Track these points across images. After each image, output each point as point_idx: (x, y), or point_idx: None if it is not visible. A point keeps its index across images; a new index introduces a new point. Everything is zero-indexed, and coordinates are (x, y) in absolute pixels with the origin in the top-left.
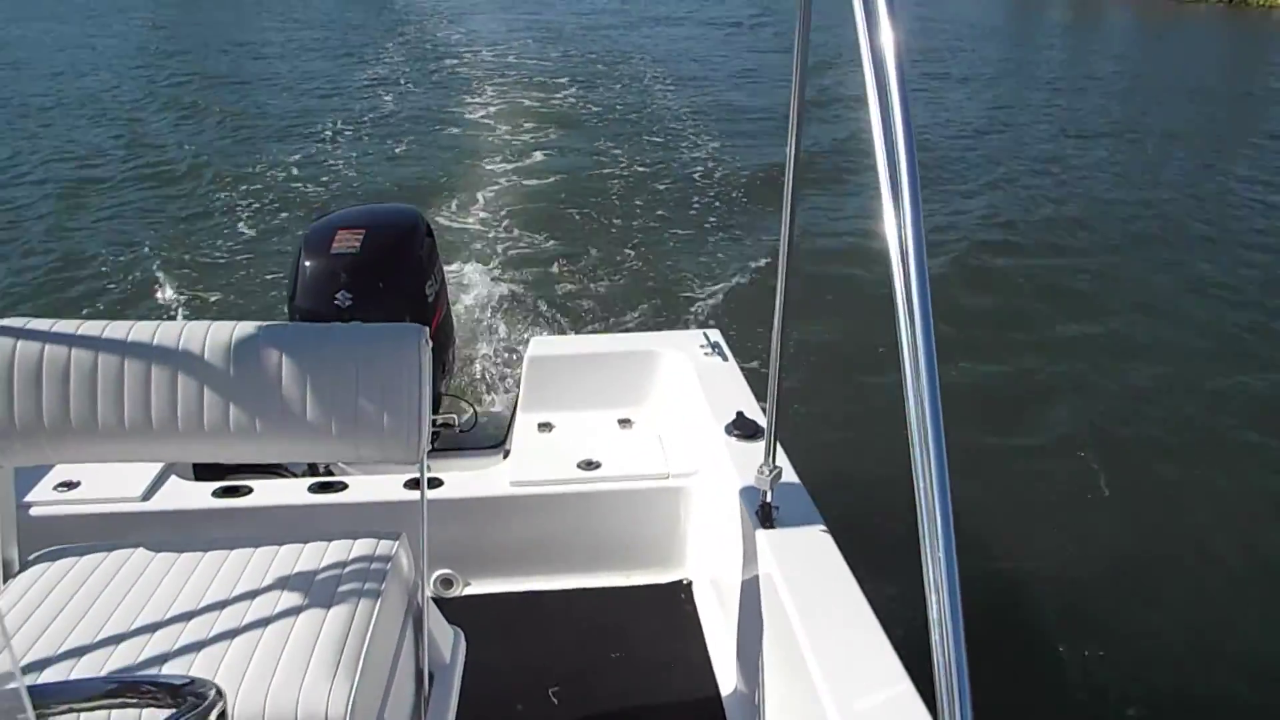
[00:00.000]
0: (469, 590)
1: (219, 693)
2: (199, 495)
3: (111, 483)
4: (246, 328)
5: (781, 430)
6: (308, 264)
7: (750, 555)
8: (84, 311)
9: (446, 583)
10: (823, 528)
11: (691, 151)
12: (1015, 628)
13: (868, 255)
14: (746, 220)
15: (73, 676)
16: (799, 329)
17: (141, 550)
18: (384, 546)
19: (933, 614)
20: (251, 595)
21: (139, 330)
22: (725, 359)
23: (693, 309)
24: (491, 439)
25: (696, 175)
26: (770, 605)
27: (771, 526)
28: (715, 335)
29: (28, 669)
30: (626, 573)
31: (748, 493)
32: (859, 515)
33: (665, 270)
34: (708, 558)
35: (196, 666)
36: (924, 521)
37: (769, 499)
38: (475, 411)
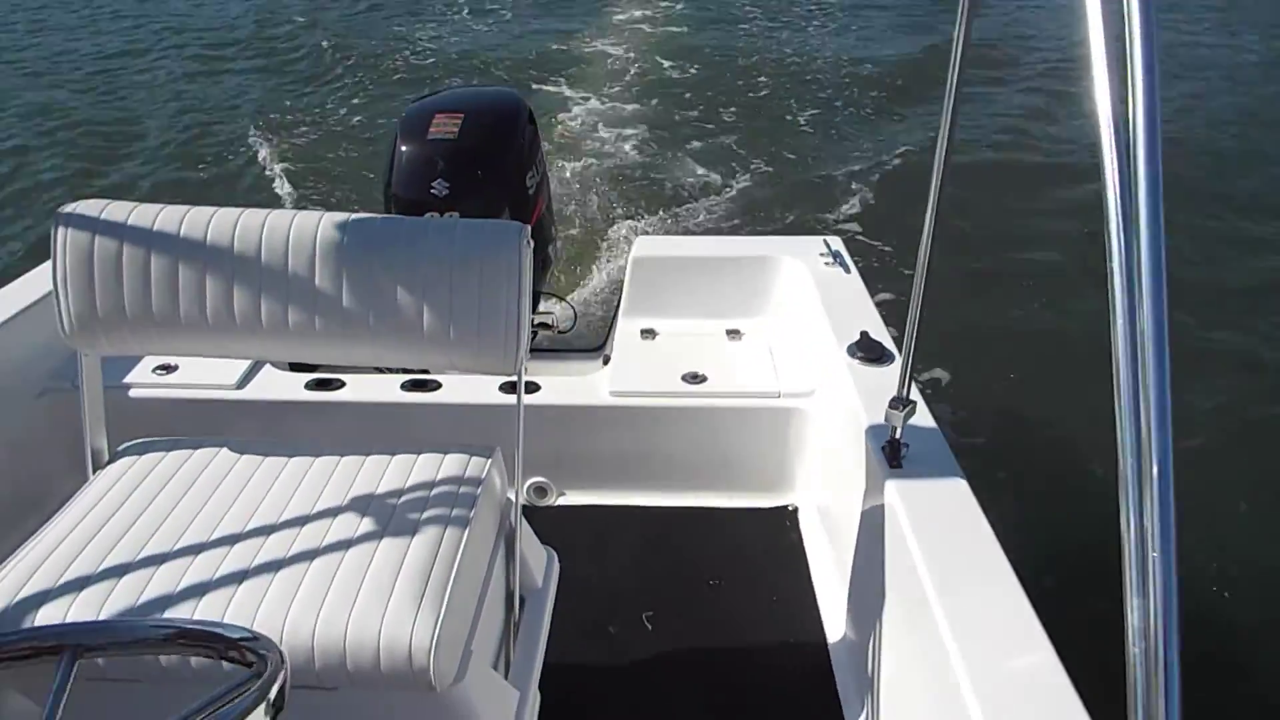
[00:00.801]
0: (562, 500)
1: (281, 659)
2: (292, 386)
3: (208, 368)
4: (335, 218)
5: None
6: (404, 149)
7: (872, 492)
8: (168, 196)
9: (540, 491)
10: (961, 479)
11: (827, 35)
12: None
13: (1036, 164)
14: (882, 118)
15: (148, 588)
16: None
17: (226, 451)
18: (476, 463)
19: (1133, 620)
20: (334, 511)
21: (222, 217)
22: (848, 270)
23: (814, 213)
24: (591, 342)
25: (830, 63)
26: (895, 549)
27: (898, 466)
28: (837, 243)
29: (103, 574)
30: (729, 494)
31: (873, 423)
32: (1004, 476)
33: (786, 168)
34: (818, 485)
35: (274, 588)
36: (1131, 510)
37: (898, 435)
38: (575, 312)
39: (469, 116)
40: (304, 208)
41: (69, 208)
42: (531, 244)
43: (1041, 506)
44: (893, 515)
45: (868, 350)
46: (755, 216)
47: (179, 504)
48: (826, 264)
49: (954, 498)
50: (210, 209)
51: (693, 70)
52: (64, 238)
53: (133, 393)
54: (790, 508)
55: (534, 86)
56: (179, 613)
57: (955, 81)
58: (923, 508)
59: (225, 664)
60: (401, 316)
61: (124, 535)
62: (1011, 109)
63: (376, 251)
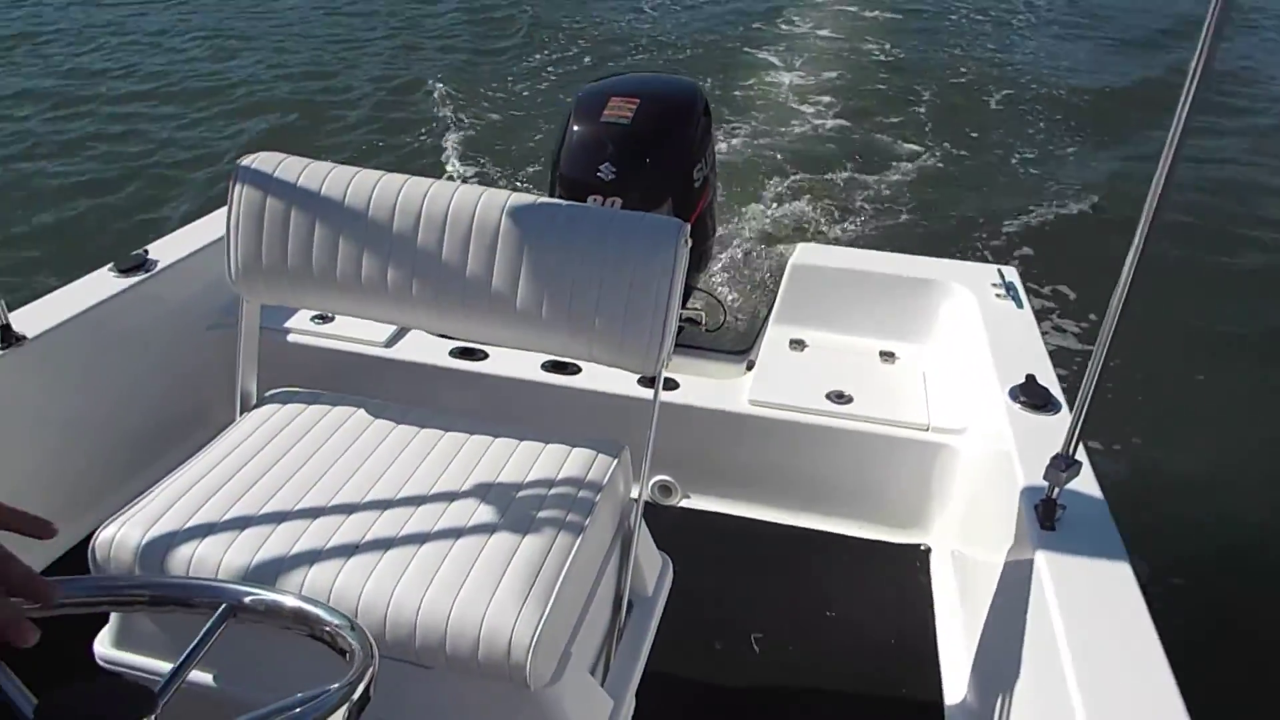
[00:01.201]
0: (686, 503)
1: (369, 654)
2: (437, 352)
3: (361, 324)
4: (496, 195)
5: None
6: (575, 129)
7: (1017, 549)
8: (347, 156)
9: (665, 490)
10: (1122, 559)
11: (1039, 48)
12: None
13: (1259, 217)
14: (1083, 146)
15: (267, 543)
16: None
17: (363, 412)
18: (603, 460)
19: None
20: (456, 489)
21: (387, 183)
22: (1020, 305)
23: (988, 240)
24: (736, 345)
25: (1036, 79)
26: (1035, 617)
27: (1051, 528)
28: (1011, 274)
29: (229, 524)
30: (859, 523)
31: (1028, 477)
32: (1173, 564)
33: (968, 184)
34: (957, 530)
35: (387, 559)
36: None
37: (1056, 495)
38: (725, 312)
39: (644, 102)
40: (468, 180)
41: (248, 159)
42: (689, 243)
43: (1213, 606)
44: (1037, 580)
45: (1032, 396)
46: (924, 231)
47: (309, 460)
48: (998, 295)
49: (1111, 575)
50: (377, 173)
51: (885, 71)
52: (240, 186)
53: (290, 338)
54: (923, 548)
55: (717, 73)
56: (293, 574)
57: (1185, 113)
58: (1073, 579)
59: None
60: (548, 301)
61: (254, 484)
62: (1235, 151)
63: (531, 233)
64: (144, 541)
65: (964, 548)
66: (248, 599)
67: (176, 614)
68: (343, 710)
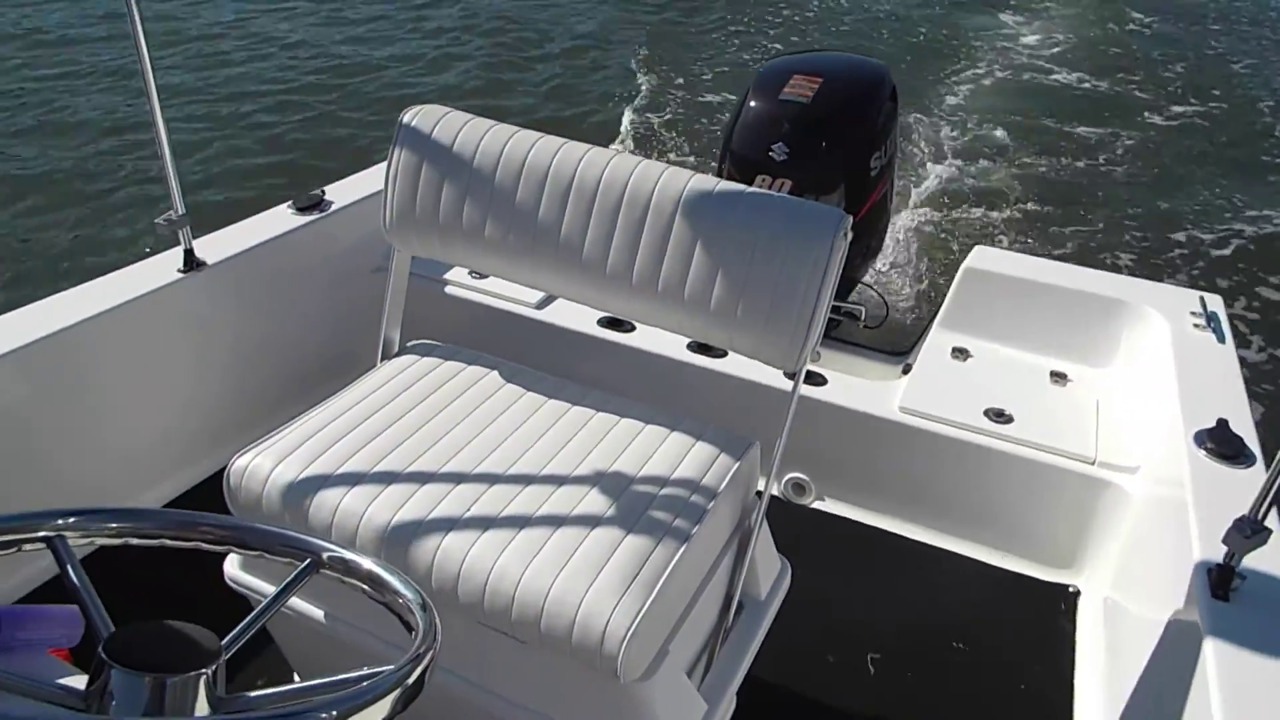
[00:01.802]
0: (819, 505)
1: (432, 638)
2: (585, 320)
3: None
4: (651, 167)
5: None
6: (752, 104)
7: (1181, 613)
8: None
9: (799, 488)
10: None
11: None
12: None
13: None
14: None
15: (380, 498)
16: None
17: (496, 374)
18: (732, 451)
19: None
20: (575, 464)
21: (544, 145)
22: (1222, 340)
23: (1192, 262)
24: (896, 345)
25: (1260, 104)
26: (1196, 692)
27: (1224, 598)
28: (1216, 304)
29: (347, 476)
30: (1003, 552)
31: (1206, 535)
32: None
33: (1179, 200)
34: (1112, 577)
35: (495, 528)
36: None
37: (1235, 562)
38: (888, 309)
39: (827, 82)
40: (631, 151)
41: (411, 111)
42: (850, 236)
43: None
44: (1200, 654)
45: (1223, 444)
46: (1120, 243)
47: (435, 416)
48: (1196, 325)
49: None
50: (535, 135)
51: (1105, 67)
52: (402, 138)
53: (446, 289)
54: (1071, 589)
55: (913, 54)
56: (402, 529)
57: None
58: (1243, 663)
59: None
60: (691, 282)
61: (379, 434)
62: None
63: (683, 209)
64: (271, 474)
65: (1119, 597)
66: (327, 555)
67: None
68: (390, 698)
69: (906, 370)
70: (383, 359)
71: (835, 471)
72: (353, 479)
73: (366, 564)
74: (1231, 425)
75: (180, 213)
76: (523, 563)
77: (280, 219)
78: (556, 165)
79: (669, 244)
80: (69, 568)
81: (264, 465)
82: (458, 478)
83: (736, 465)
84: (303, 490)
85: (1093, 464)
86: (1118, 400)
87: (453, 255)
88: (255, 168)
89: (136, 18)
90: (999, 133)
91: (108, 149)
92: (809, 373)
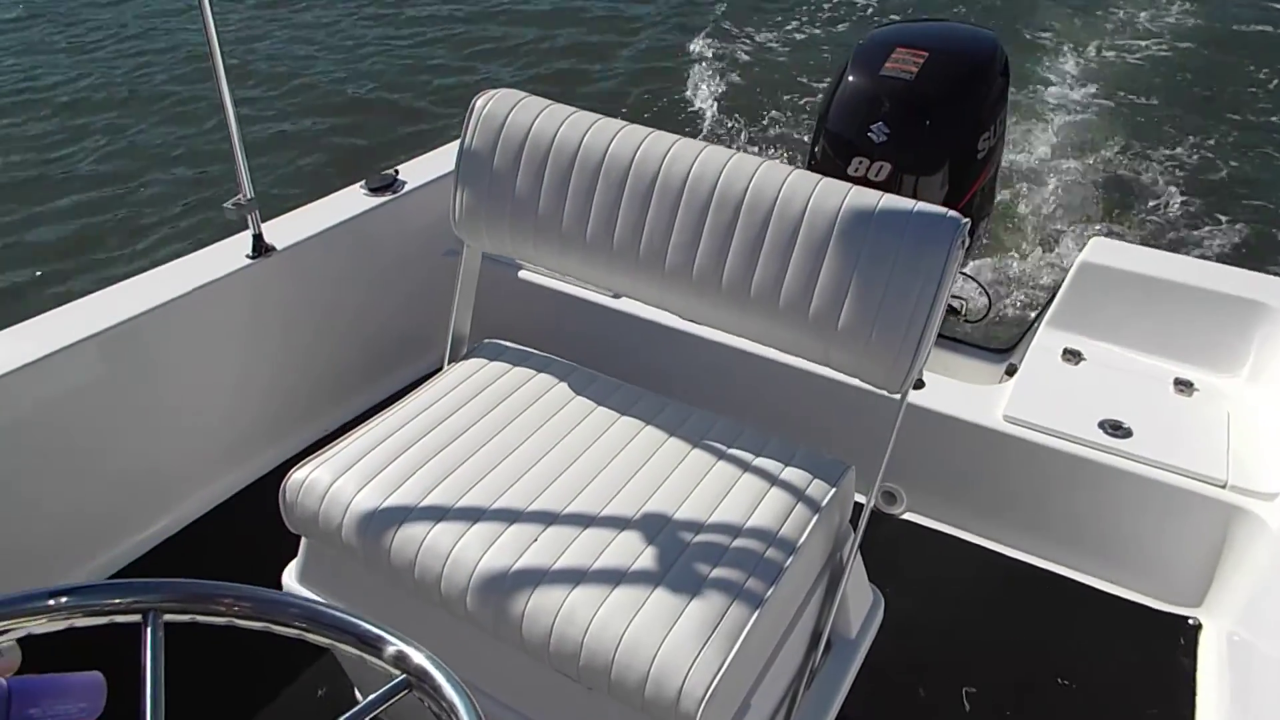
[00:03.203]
0: (910, 515)
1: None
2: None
3: None
4: (744, 161)
5: None
6: (850, 79)
7: None
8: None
9: (889, 497)
10: None
11: None
12: None
13: None
14: None
15: (442, 523)
16: None
17: (568, 384)
18: (824, 479)
19: None
20: (653, 489)
21: (628, 135)
22: None
23: None
24: (999, 342)
25: None
26: None
27: None
28: None
29: (411, 487)
30: (1115, 578)
31: None
32: None
33: None
34: (1239, 611)
35: (563, 563)
36: None
37: None
38: (990, 301)
39: (933, 56)
40: (719, 139)
41: (484, 96)
42: (967, 242)
43: None
44: None
45: None
46: (1256, 238)
47: (503, 430)
48: None
49: None
50: (618, 124)
51: (1212, 56)
52: (474, 124)
53: (521, 274)
54: (1192, 622)
55: (1025, 17)
56: (464, 558)
57: None
58: None
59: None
60: (789, 289)
61: (443, 449)
62: None
63: (780, 208)
64: (330, 490)
65: (1247, 634)
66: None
67: (361, 559)
68: None
69: (1011, 371)
70: (450, 360)
71: (931, 482)
72: (415, 498)
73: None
74: None
75: (249, 196)
76: (594, 604)
77: (353, 200)
78: (640, 158)
79: (763, 247)
80: (149, 650)
81: (322, 479)
82: (525, 502)
83: (831, 493)
84: (362, 507)
85: (1224, 487)
86: (1253, 415)
87: (524, 253)
88: (327, 147)
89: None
90: (1114, 103)
91: (180, 131)
92: None
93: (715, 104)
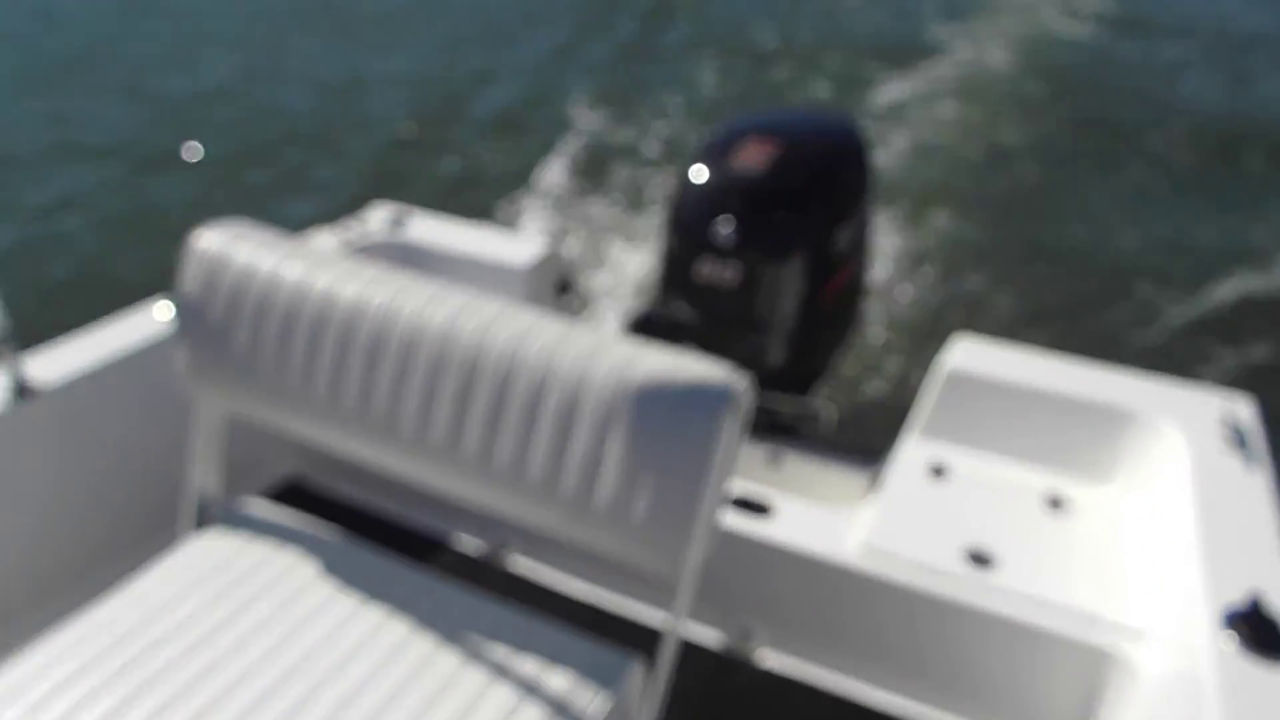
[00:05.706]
0: (766, 661)
1: None
2: None
3: None
4: (511, 315)
5: None
6: (694, 177)
7: None
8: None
9: (743, 633)
10: None
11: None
12: None
13: None
14: None
15: None
16: None
17: (302, 572)
18: (598, 681)
19: None
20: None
21: (376, 282)
22: (1249, 460)
23: (1219, 346)
24: (865, 445)
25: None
26: None
27: None
28: (1247, 412)
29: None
30: None
31: None
32: None
33: (1204, 273)
34: None
35: None
36: None
37: None
38: (839, 416)
39: (786, 146)
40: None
41: (201, 234)
42: (742, 410)
43: None
44: None
45: (1259, 630)
46: (1109, 328)
47: (211, 638)
48: (1221, 447)
49: None
50: (363, 267)
51: (1093, 104)
52: (192, 267)
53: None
54: None
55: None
56: None
57: None
58: None
59: None
60: (539, 464)
61: (131, 668)
62: None
63: (537, 364)
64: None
65: None
66: None
67: None
68: None
69: (874, 481)
70: (184, 529)
71: (785, 620)
72: None
73: None
74: (1265, 605)
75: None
76: None
77: (119, 332)
78: (388, 313)
79: (506, 414)
80: None
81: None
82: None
83: (610, 701)
84: None
85: (1090, 624)
86: (1125, 532)
87: (277, 415)
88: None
89: None
90: (984, 170)
91: None
92: (750, 501)
93: (557, 187)
